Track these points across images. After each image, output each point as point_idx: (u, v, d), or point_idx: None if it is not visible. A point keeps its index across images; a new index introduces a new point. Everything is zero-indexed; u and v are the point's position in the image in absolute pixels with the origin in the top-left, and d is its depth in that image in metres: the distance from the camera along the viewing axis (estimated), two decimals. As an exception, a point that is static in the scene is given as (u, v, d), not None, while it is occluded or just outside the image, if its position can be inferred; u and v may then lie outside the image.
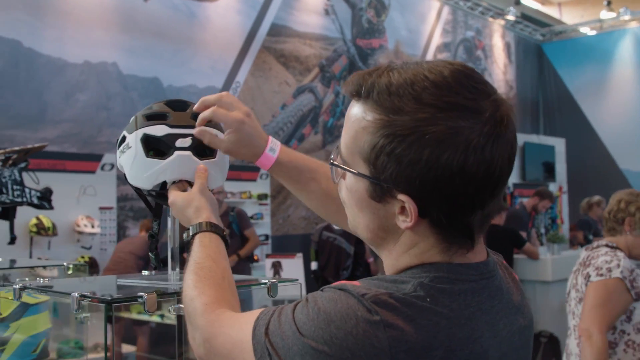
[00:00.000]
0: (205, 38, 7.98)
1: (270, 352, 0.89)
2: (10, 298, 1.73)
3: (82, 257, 6.26)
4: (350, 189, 0.98)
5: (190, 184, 1.40)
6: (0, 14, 6.30)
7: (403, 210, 0.91)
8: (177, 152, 1.42)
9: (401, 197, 0.89)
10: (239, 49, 8.35)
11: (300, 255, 5.97)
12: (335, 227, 6.40)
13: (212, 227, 1.25)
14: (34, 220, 5.88)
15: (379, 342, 0.83)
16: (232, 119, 1.35)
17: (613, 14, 13.72)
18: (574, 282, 2.81)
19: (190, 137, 1.43)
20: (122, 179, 6.91)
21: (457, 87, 0.89)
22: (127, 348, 5.36)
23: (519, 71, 14.30)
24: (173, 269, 1.58)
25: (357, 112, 0.94)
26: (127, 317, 5.12)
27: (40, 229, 5.91)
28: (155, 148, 1.43)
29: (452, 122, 0.86)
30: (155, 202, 1.54)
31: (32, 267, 2.78)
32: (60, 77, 6.71)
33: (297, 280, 1.57)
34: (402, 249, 0.95)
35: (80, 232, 6.32)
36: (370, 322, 0.84)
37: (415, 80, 0.89)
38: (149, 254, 1.58)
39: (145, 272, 1.76)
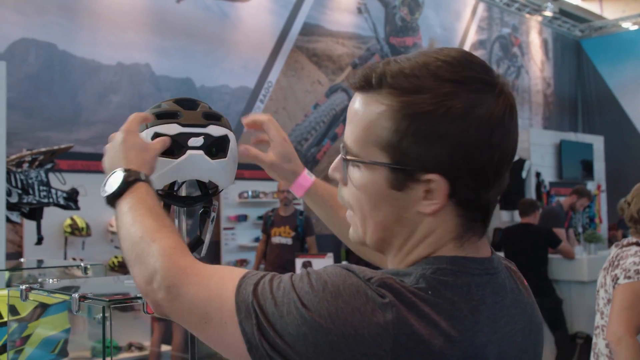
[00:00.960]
0: (237, 38, 8.01)
1: (257, 314, 0.85)
2: (31, 299, 1.74)
3: (116, 257, 6.35)
4: (363, 185, 0.94)
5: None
6: (35, 17, 6.41)
7: (427, 193, 0.90)
8: (189, 152, 1.40)
9: (430, 176, 0.88)
10: (271, 48, 8.36)
11: (330, 255, 5.93)
12: (366, 227, 6.35)
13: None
14: (69, 221, 5.98)
15: (385, 322, 0.81)
16: (280, 133, 1.41)
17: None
18: (602, 281, 2.72)
19: (203, 137, 1.42)
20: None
21: (468, 64, 0.90)
22: (164, 347, 5.43)
23: (557, 68, 14.03)
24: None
25: (366, 102, 0.93)
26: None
27: (75, 230, 6.01)
28: (167, 147, 1.42)
29: (474, 95, 0.87)
30: (162, 201, 1.53)
31: (57, 267, 2.81)
32: (93, 79, 6.81)
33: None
34: (417, 240, 0.93)
35: (113, 232, 6.39)
36: (380, 303, 0.82)
37: (427, 61, 0.90)
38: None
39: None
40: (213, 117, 1.49)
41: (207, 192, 1.54)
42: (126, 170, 1.14)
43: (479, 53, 11.72)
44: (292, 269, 5.95)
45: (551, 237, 6.33)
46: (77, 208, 3.25)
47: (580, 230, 8.50)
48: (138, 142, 1.22)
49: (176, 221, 1.56)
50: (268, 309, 0.85)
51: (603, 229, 9.81)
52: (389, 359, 0.81)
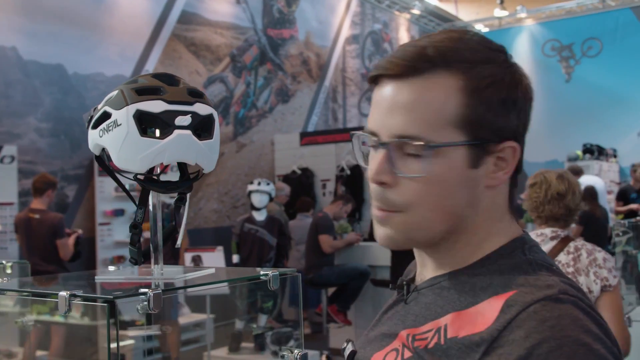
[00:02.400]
0: (112, 24, 7.59)
1: None
2: None
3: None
4: (437, 174, 0.87)
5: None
6: None
7: (497, 165, 0.90)
8: (177, 131, 1.28)
9: (507, 144, 0.88)
10: (148, 36, 8.01)
11: (220, 248, 5.80)
12: (257, 219, 6.28)
13: None
14: None
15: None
16: None
17: (506, 12, 14.30)
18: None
19: (190, 115, 1.30)
20: (24, 172, 6.48)
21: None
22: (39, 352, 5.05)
23: (422, 65, 14.58)
24: (156, 262, 1.43)
25: (424, 87, 0.87)
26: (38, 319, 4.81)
27: None
28: (150, 126, 1.29)
29: (513, 62, 0.92)
30: (141, 187, 1.38)
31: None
32: (-46, 62, 6.19)
33: (295, 269, 1.46)
34: (482, 218, 0.91)
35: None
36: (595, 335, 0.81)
37: (461, 37, 0.91)
38: (130, 247, 1.42)
39: (111, 268, 1.60)
40: (197, 94, 1.39)
41: (189, 177, 1.43)
42: None
43: (352, 47, 11.95)
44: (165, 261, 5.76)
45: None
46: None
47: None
48: None
49: (150, 209, 1.43)
50: None
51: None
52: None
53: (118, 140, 1.29)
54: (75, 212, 7.03)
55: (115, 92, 1.34)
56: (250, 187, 6.37)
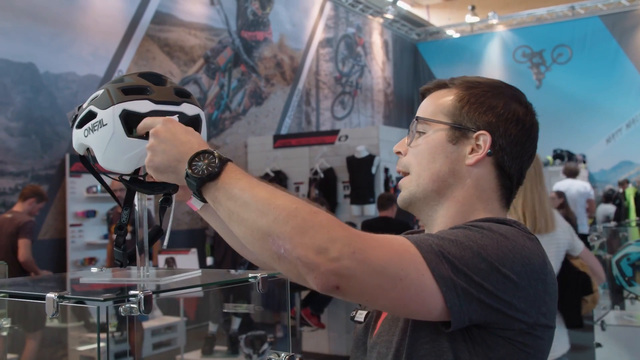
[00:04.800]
0: (86, 23, 7.50)
1: (449, 260, 0.99)
2: None
3: None
4: (426, 142, 1.21)
5: None
6: None
7: (473, 150, 1.18)
8: None
9: (480, 132, 1.18)
10: (121, 36, 7.93)
11: (194, 250, 5.74)
12: (231, 222, 6.25)
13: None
14: None
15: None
16: None
17: (477, 18, 14.48)
18: None
19: (177, 116, 1.29)
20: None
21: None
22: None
23: (396, 68, 14.71)
24: (142, 264, 1.41)
25: (438, 93, 1.24)
26: None
27: None
28: (136, 126, 1.27)
29: (517, 94, 1.24)
30: (127, 187, 1.37)
31: None
32: None
33: (279, 272, 1.45)
34: (469, 192, 1.19)
35: None
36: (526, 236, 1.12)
37: (485, 78, 1.28)
38: (114, 248, 1.40)
39: (94, 269, 1.58)
40: (184, 94, 1.38)
41: (176, 178, 1.41)
42: (209, 152, 1.09)
43: (326, 50, 11.97)
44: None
45: (407, 230, 6.57)
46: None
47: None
48: (184, 127, 1.18)
49: (136, 210, 1.41)
50: (456, 253, 0.99)
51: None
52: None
53: (103, 140, 1.28)
54: (46, 213, 6.93)
55: (100, 91, 1.33)
56: (225, 190, 6.34)
